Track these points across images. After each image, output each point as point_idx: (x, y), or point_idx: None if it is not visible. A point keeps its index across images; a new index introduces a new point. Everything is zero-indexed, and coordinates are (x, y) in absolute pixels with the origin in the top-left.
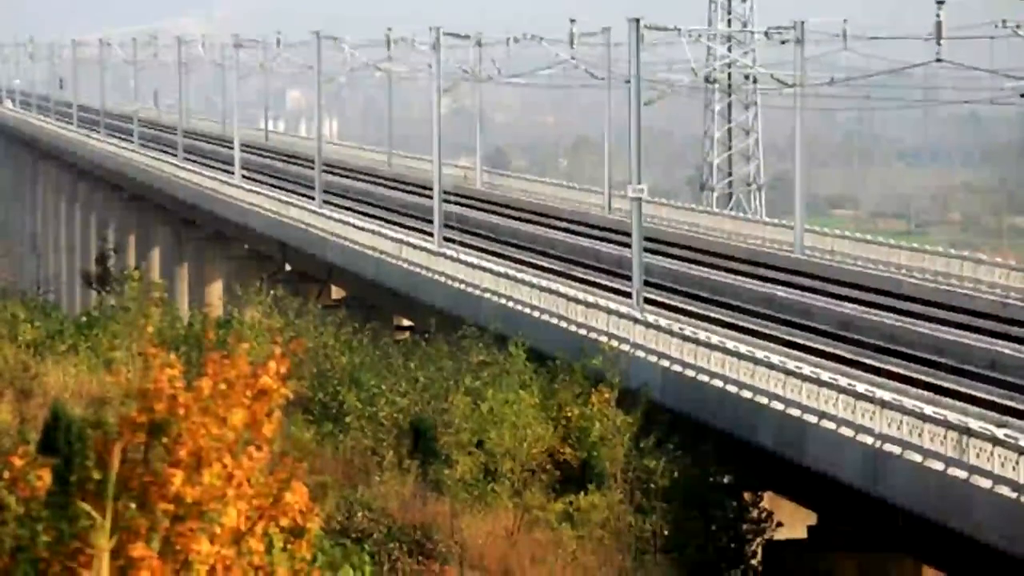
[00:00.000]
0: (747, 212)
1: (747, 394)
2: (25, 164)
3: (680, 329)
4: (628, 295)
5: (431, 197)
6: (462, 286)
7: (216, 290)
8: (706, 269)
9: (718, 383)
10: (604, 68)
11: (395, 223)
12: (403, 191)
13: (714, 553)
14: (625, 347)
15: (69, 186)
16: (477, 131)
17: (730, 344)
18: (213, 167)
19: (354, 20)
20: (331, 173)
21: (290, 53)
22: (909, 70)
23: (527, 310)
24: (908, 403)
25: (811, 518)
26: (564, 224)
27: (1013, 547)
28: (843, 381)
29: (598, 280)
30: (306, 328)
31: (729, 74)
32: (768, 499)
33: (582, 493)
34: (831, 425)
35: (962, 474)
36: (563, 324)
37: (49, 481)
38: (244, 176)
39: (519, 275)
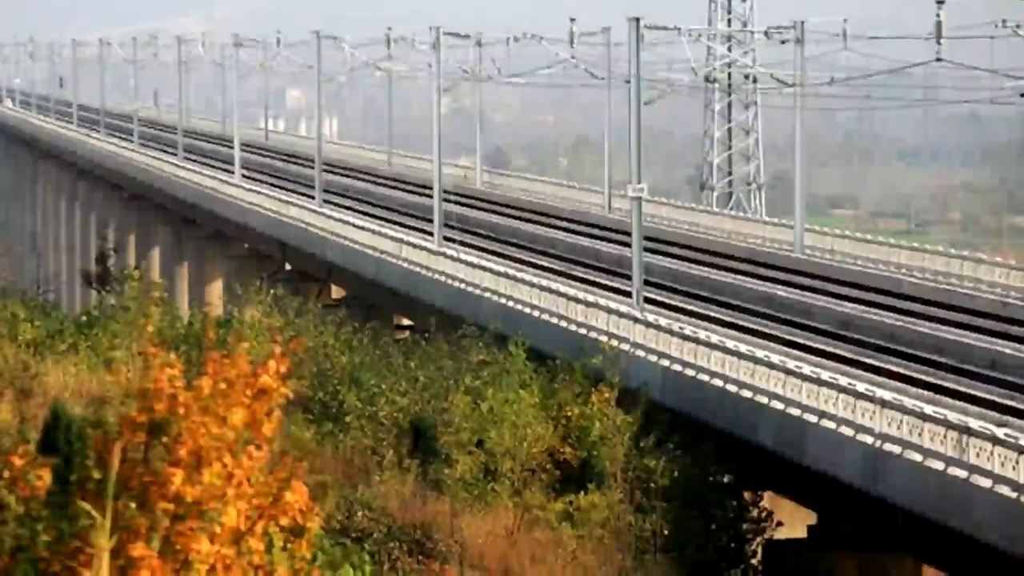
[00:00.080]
0: (747, 212)
1: (747, 393)
2: (25, 163)
3: (680, 328)
4: (628, 294)
5: (431, 196)
6: (462, 285)
7: (216, 289)
8: (706, 268)
9: (718, 382)
10: (604, 68)
11: (395, 222)
12: (403, 190)
13: (714, 553)
14: (625, 346)
15: (69, 185)
16: (477, 131)
17: (730, 343)
18: (213, 166)
19: (354, 20)
20: (331, 172)
21: (290, 53)
22: (909, 70)
23: (527, 309)
24: (908, 402)
25: (811, 518)
26: (564, 223)
27: (1013, 547)
28: (843, 380)
29: (598, 279)
30: (306, 327)
31: (729, 74)
32: (768, 499)
33: (582, 493)
34: (831, 424)
35: (962, 474)
36: (563, 323)
37: (49, 481)
38: (244, 175)
39: (519, 274)
